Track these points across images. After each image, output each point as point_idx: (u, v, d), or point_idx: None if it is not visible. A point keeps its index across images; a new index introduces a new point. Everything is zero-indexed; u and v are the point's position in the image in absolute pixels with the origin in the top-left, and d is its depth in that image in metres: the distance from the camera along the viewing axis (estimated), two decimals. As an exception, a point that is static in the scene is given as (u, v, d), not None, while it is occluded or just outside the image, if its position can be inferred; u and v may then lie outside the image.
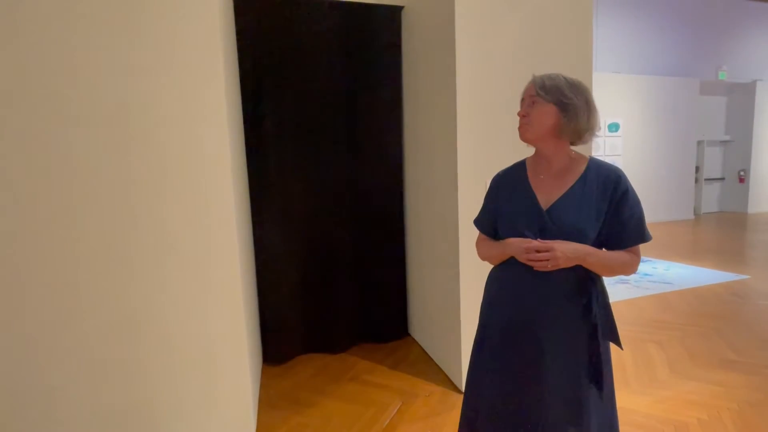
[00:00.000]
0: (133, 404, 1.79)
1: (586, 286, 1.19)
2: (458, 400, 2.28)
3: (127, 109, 1.68)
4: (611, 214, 1.18)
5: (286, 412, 2.29)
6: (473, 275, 2.30)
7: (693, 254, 5.89)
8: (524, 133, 1.24)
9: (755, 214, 9.79)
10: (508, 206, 1.31)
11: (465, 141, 2.26)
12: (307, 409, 2.31)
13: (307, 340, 2.99)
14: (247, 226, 2.55)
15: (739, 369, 2.59)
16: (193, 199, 1.78)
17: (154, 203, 1.74)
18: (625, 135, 8.62)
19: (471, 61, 2.23)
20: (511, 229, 1.27)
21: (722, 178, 10.39)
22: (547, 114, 1.18)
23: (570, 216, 1.18)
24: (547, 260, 1.14)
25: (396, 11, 2.93)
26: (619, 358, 2.75)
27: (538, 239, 1.18)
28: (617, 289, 4.34)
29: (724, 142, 10.25)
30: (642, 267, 5.16)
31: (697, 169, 9.79)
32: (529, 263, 1.18)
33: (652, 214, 8.68)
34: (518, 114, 1.25)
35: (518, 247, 1.20)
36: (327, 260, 2.97)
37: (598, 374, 1.20)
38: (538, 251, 1.15)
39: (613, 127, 8.50)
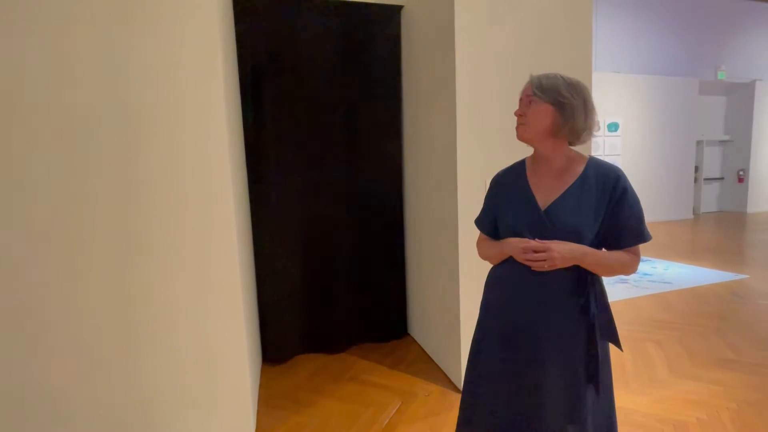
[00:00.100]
0: (132, 403, 1.79)
1: (584, 286, 1.19)
2: (457, 399, 2.28)
3: (127, 110, 1.68)
4: (610, 214, 1.18)
5: (286, 411, 2.29)
6: (472, 275, 2.30)
7: (692, 254, 5.90)
8: (521, 133, 1.24)
9: (754, 214, 9.81)
10: (507, 206, 1.31)
11: (464, 141, 2.26)
12: (306, 409, 2.31)
13: (306, 340, 2.99)
14: (247, 226, 2.55)
15: (738, 368, 2.59)
16: (193, 200, 1.78)
17: (153, 203, 1.73)
18: (625, 135, 8.62)
19: (470, 60, 2.23)
20: (510, 229, 1.27)
21: (721, 178, 10.40)
22: (543, 113, 1.18)
23: (568, 216, 1.18)
24: (544, 260, 1.15)
25: (395, 11, 2.93)
26: (619, 357, 2.75)
27: (536, 239, 1.18)
28: (616, 289, 4.35)
29: (723, 142, 10.26)
30: (641, 266, 5.17)
31: (697, 168, 9.80)
32: (527, 263, 1.18)
33: (651, 214, 8.69)
34: (515, 113, 1.25)
35: (516, 246, 1.20)
36: (327, 260, 2.97)
37: (596, 374, 1.20)
38: (535, 251, 1.16)
39: (613, 127, 8.50)
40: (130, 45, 1.66)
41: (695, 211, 9.94)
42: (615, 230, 1.18)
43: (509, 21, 2.28)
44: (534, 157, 1.31)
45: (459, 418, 1.39)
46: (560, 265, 1.15)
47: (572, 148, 1.26)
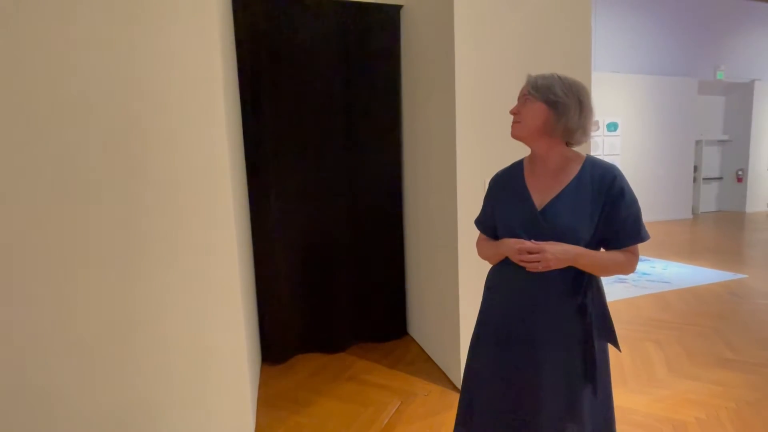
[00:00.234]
0: (131, 403, 1.79)
1: (580, 286, 1.19)
2: (456, 399, 2.28)
3: (126, 110, 1.67)
4: (607, 214, 1.17)
5: (285, 411, 2.29)
6: (472, 275, 2.30)
7: (691, 253, 5.91)
8: (515, 131, 1.25)
9: (753, 214, 9.83)
10: (505, 206, 1.31)
11: (464, 140, 2.26)
12: (305, 409, 2.31)
13: (305, 340, 2.99)
14: (246, 226, 2.55)
15: (737, 368, 2.60)
16: (192, 199, 1.78)
17: (152, 203, 1.73)
18: (624, 134, 8.63)
19: (470, 60, 2.23)
20: (507, 229, 1.27)
21: (720, 178, 10.42)
22: (536, 112, 1.18)
23: (563, 216, 1.18)
24: (538, 261, 1.15)
25: (395, 10, 2.93)
26: (618, 357, 2.75)
27: (531, 240, 1.18)
28: (615, 288, 4.35)
29: (722, 142, 10.28)
30: (640, 266, 5.17)
31: (696, 168, 9.81)
32: (521, 264, 1.18)
33: (650, 214, 8.71)
34: (510, 111, 1.26)
35: (511, 247, 1.21)
36: (326, 260, 2.97)
37: (594, 374, 1.20)
38: (529, 252, 1.16)
39: (612, 127, 8.51)
40: (130, 45, 1.65)
41: (694, 211, 9.95)
42: (612, 230, 1.18)
43: (509, 21, 2.29)
44: (531, 157, 1.31)
45: (457, 417, 1.40)
46: (554, 266, 1.15)
47: (571, 148, 1.26)
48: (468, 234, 2.27)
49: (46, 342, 1.67)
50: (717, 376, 2.51)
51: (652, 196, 8.80)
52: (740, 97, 9.88)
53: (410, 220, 3.11)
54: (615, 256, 1.19)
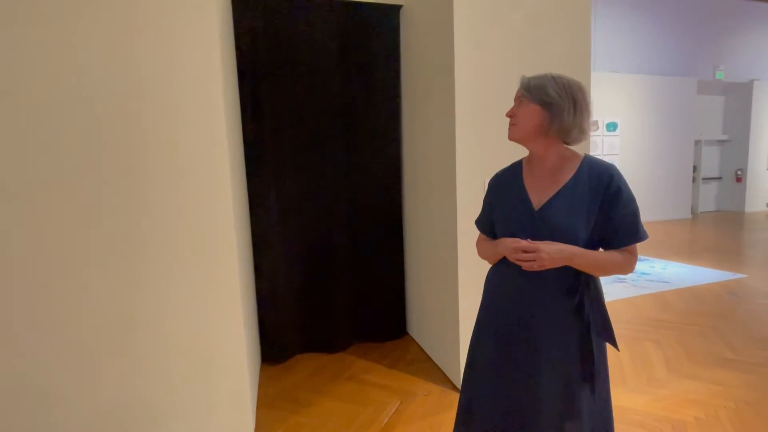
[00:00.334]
0: (131, 403, 1.79)
1: (578, 285, 1.19)
2: (456, 398, 2.29)
3: (126, 109, 1.68)
4: (604, 213, 1.17)
5: (285, 411, 2.29)
6: (471, 274, 2.31)
7: (690, 253, 5.91)
8: (511, 133, 1.26)
9: (752, 213, 9.84)
10: (503, 206, 1.32)
11: (463, 140, 2.27)
12: (305, 409, 2.31)
13: (305, 340, 2.99)
14: (246, 225, 2.55)
15: (737, 368, 2.60)
16: (191, 199, 1.78)
17: (152, 203, 1.73)
18: (623, 134, 8.64)
19: (469, 59, 2.23)
20: (505, 229, 1.28)
21: (719, 178, 10.43)
22: (531, 113, 1.19)
23: (560, 216, 1.18)
24: (534, 260, 1.15)
25: (394, 10, 2.93)
26: (617, 356, 2.76)
27: (528, 239, 1.18)
28: (614, 288, 4.36)
29: (721, 142, 10.29)
30: (639, 266, 5.18)
31: (695, 168, 9.82)
32: (518, 263, 1.19)
33: (649, 213, 8.71)
34: (506, 114, 1.27)
35: (508, 246, 1.21)
36: (326, 259, 2.97)
37: (591, 372, 1.20)
38: (525, 251, 1.16)
39: (611, 127, 8.52)
40: (130, 45, 1.66)
41: (693, 211, 9.96)
42: (610, 229, 1.18)
43: (508, 20, 2.29)
44: (530, 157, 1.31)
45: (457, 417, 1.40)
46: (549, 265, 1.15)
47: (569, 147, 1.26)
48: (468, 234, 2.27)
49: (46, 342, 1.68)
50: (716, 375, 2.52)
51: (652, 196, 8.81)
52: (739, 97, 9.89)
53: (410, 220, 3.11)
54: (613, 255, 1.19)
